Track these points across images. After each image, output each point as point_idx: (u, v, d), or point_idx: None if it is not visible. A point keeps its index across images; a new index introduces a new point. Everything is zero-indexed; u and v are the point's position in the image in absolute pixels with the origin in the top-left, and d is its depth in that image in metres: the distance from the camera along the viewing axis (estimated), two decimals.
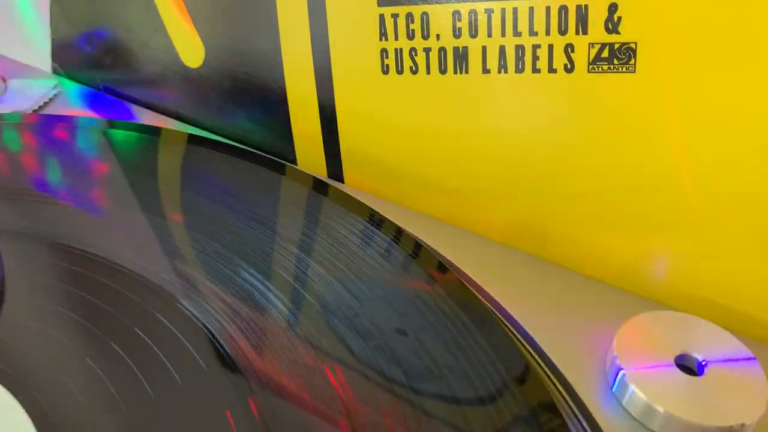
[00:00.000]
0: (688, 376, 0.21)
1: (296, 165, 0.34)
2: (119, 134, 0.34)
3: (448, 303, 0.24)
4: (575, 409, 0.22)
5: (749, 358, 0.22)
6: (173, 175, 0.31)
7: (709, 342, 0.22)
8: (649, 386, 0.21)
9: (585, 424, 0.21)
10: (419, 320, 0.23)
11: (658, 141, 0.23)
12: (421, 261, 0.26)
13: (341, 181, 0.32)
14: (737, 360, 0.22)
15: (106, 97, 0.41)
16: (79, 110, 0.40)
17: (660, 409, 0.20)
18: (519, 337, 0.24)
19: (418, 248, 0.26)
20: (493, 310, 0.25)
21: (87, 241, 0.26)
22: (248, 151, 0.33)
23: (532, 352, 0.24)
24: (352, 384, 0.21)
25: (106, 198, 0.30)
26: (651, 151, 0.23)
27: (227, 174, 0.31)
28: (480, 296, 0.25)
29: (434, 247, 0.28)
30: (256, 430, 0.19)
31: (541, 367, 0.23)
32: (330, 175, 0.32)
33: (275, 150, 0.34)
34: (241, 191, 0.30)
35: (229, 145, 0.34)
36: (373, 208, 0.29)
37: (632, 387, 0.21)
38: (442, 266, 0.26)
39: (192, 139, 0.34)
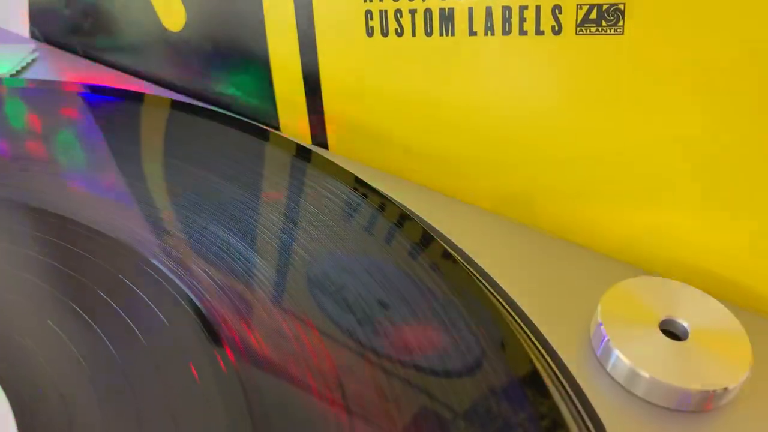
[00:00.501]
0: (672, 341, 0.21)
1: (279, 131, 0.33)
2: (100, 99, 0.33)
3: (432, 274, 0.23)
4: (560, 375, 0.22)
5: (733, 323, 0.21)
6: (155, 141, 0.31)
7: (694, 307, 0.22)
8: (633, 351, 0.21)
9: (569, 389, 0.21)
10: (402, 291, 0.23)
11: (645, 106, 0.23)
12: (406, 230, 0.25)
13: (325, 147, 0.32)
14: (721, 324, 0.21)
15: (86, 62, 0.40)
16: (58, 75, 0.39)
17: (644, 374, 0.20)
18: (504, 303, 0.24)
19: (403, 217, 0.26)
20: (478, 277, 0.25)
21: (60, 204, 0.26)
22: (231, 116, 0.33)
23: (517, 319, 0.24)
24: (331, 348, 0.21)
25: (85, 163, 0.29)
26: (637, 116, 0.23)
27: (210, 140, 0.30)
28: (465, 264, 0.25)
29: (419, 215, 0.28)
30: (224, 382, 0.19)
31: (525, 333, 0.23)
32: (314, 142, 0.32)
33: (258, 116, 0.33)
34: (224, 157, 0.29)
35: (212, 110, 0.33)
36: (358, 175, 0.28)
37: (616, 352, 0.21)
38: (427, 235, 0.25)
39: (175, 104, 0.33)
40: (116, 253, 0.24)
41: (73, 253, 0.24)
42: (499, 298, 0.24)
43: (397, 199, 0.28)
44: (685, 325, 0.21)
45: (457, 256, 0.25)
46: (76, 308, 0.21)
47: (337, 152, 0.31)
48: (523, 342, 0.22)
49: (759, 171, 0.22)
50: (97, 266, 0.23)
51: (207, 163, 0.28)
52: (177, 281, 0.23)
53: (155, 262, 0.23)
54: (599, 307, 0.22)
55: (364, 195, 0.27)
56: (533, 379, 0.20)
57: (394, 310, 0.22)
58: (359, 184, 0.28)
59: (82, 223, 0.25)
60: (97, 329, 0.21)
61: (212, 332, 0.21)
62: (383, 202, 0.27)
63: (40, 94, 0.34)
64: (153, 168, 0.28)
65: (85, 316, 0.21)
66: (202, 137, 0.31)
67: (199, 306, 0.22)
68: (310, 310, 0.22)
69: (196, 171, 0.28)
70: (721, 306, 0.22)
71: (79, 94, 0.34)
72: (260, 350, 0.21)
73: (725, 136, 0.22)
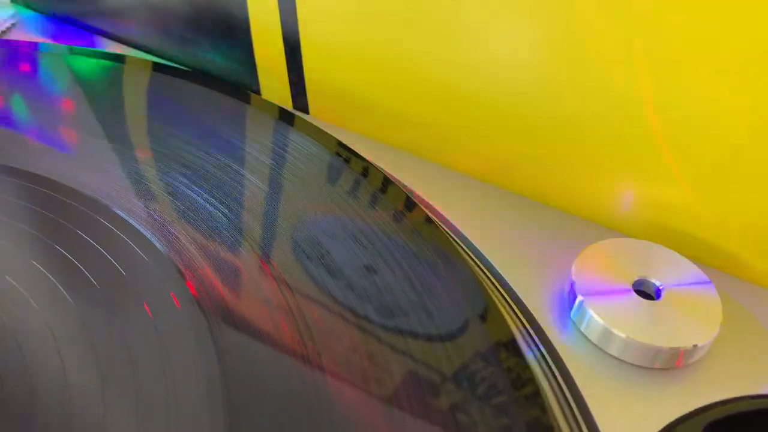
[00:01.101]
0: (645, 300, 0.21)
1: (260, 96, 0.33)
2: (82, 61, 0.33)
3: (415, 239, 0.24)
4: (534, 336, 0.22)
5: (705, 283, 0.22)
6: (138, 103, 0.31)
7: (667, 268, 0.22)
8: (606, 312, 0.21)
9: (543, 350, 0.22)
10: (387, 257, 0.23)
11: (625, 69, 0.23)
12: (390, 195, 0.26)
13: (306, 112, 0.32)
14: (693, 285, 0.22)
15: (66, 27, 0.40)
16: (38, 39, 0.38)
17: (617, 333, 0.21)
18: (481, 265, 0.24)
19: (386, 182, 0.26)
20: (457, 240, 0.25)
21: (41, 165, 0.26)
22: (213, 79, 0.32)
23: (493, 280, 0.24)
24: (308, 307, 0.21)
25: (66, 125, 0.29)
26: (617, 80, 0.23)
27: (192, 102, 0.30)
28: (445, 227, 0.25)
29: (400, 179, 0.28)
30: (196, 306, 0.20)
31: (500, 293, 0.23)
32: (295, 106, 0.32)
33: (238, 80, 0.33)
34: (206, 120, 0.29)
35: (194, 73, 0.33)
36: (340, 140, 0.28)
37: (590, 312, 0.21)
38: (410, 201, 0.25)
39: (157, 67, 0.33)
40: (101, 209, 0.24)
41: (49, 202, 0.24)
42: (477, 260, 0.25)
43: (377, 164, 0.28)
44: (658, 285, 0.22)
45: (436, 220, 0.25)
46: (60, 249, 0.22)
47: (317, 117, 0.31)
48: (500, 305, 0.23)
49: (731, 134, 0.22)
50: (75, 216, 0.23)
51: (188, 125, 0.28)
52: (153, 239, 0.23)
53: (132, 221, 0.23)
54: (573, 268, 0.22)
55: (347, 159, 0.27)
56: (510, 344, 0.20)
57: (379, 274, 0.22)
58: (342, 149, 0.28)
59: (61, 183, 0.25)
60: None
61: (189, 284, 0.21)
62: (366, 167, 0.27)
63: (20, 57, 0.33)
64: (134, 127, 0.28)
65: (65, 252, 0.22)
66: (184, 99, 0.30)
67: (178, 263, 0.22)
68: (292, 272, 0.22)
69: (177, 132, 0.28)
70: (693, 266, 0.22)
71: (61, 55, 0.33)
72: (235, 306, 0.21)
73: (700, 99, 0.22)
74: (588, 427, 0.19)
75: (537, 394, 0.19)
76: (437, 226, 0.24)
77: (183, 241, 0.23)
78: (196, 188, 0.25)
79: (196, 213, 0.24)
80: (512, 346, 0.20)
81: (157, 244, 0.23)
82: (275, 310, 0.21)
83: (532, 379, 0.20)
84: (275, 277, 0.22)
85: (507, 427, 0.18)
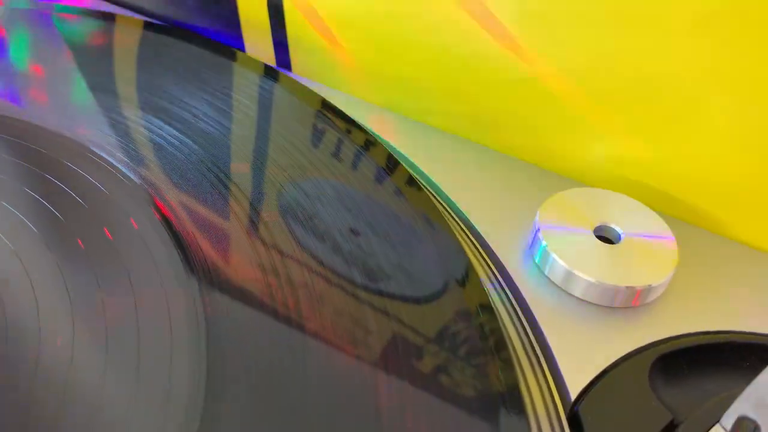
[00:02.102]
0: (605, 244, 0.23)
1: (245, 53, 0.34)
2: (73, 19, 0.34)
3: (397, 200, 0.24)
4: (501, 280, 0.23)
5: (663, 229, 0.23)
6: (126, 59, 0.31)
7: (626, 214, 0.23)
8: (568, 255, 0.22)
9: (509, 292, 0.23)
10: (370, 218, 0.24)
11: (586, 31, 0.24)
12: (373, 154, 0.26)
13: (288, 68, 0.33)
14: (651, 230, 0.23)
15: None
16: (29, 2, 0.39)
17: (578, 274, 0.22)
18: (453, 214, 0.26)
19: (368, 141, 0.27)
20: (433, 194, 0.26)
21: (30, 118, 0.27)
22: (200, 37, 0.33)
23: (464, 229, 0.25)
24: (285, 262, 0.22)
25: (56, 80, 0.30)
26: (581, 40, 0.24)
27: (179, 59, 0.31)
28: (423, 183, 0.27)
29: (379, 133, 0.29)
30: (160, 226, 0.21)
31: (471, 240, 0.24)
32: (278, 64, 0.33)
33: (223, 38, 0.34)
34: (194, 78, 0.30)
35: (183, 31, 0.34)
36: (322, 96, 0.29)
37: (553, 256, 0.22)
38: (392, 159, 0.26)
39: (147, 25, 0.34)
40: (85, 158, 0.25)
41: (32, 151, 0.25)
42: (449, 209, 0.26)
43: (358, 120, 0.29)
44: (618, 230, 0.23)
45: (417, 177, 0.26)
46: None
47: (300, 74, 0.32)
48: (469, 252, 0.24)
49: (685, 89, 0.23)
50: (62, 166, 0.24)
51: (174, 80, 0.29)
52: (130, 174, 0.24)
53: (122, 166, 0.24)
54: (537, 215, 0.23)
55: (331, 118, 0.28)
56: (487, 313, 0.21)
57: (363, 236, 0.23)
58: (326, 108, 0.29)
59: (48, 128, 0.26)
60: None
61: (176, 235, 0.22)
62: (349, 128, 0.28)
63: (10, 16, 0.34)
64: (124, 84, 0.29)
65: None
66: (171, 56, 0.31)
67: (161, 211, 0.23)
68: (279, 233, 0.23)
69: (164, 86, 0.29)
70: (652, 213, 0.24)
71: (51, 14, 0.34)
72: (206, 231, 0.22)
73: (656, 56, 0.23)
74: (547, 362, 0.20)
75: (508, 358, 0.20)
76: (419, 186, 0.25)
77: (156, 180, 0.24)
78: (174, 132, 0.26)
79: (166, 154, 0.25)
80: (487, 307, 0.21)
81: (132, 176, 0.24)
82: (237, 232, 0.22)
83: (503, 339, 0.21)
84: (245, 210, 0.23)
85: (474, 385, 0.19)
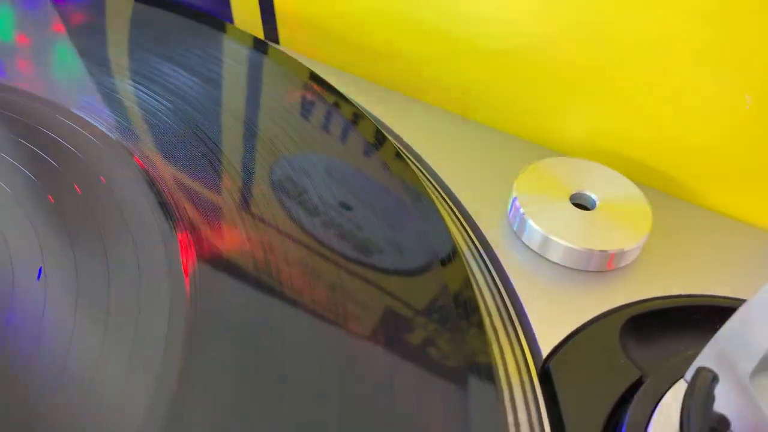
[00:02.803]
0: (580, 211, 0.23)
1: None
2: None
3: (385, 175, 0.25)
4: (479, 246, 0.24)
5: (637, 195, 0.24)
6: (118, 30, 0.32)
7: (602, 182, 0.24)
8: (545, 222, 0.23)
9: (487, 258, 0.24)
10: (359, 193, 0.24)
11: (567, 5, 0.24)
12: (361, 127, 0.27)
13: (276, 42, 0.33)
14: (626, 197, 0.24)
15: None
16: None
17: (554, 239, 0.23)
18: (436, 185, 0.26)
19: (357, 115, 0.27)
20: (418, 165, 0.27)
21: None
22: (191, 10, 0.34)
23: (445, 197, 0.26)
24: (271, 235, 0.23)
25: (47, 55, 0.30)
26: (561, 14, 0.25)
27: (170, 31, 0.31)
28: (406, 154, 0.27)
29: (368, 109, 0.29)
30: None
31: (451, 209, 0.25)
32: (266, 37, 0.33)
33: (212, 11, 0.34)
34: (182, 49, 0.30)
35: (173, 3, 0.34)
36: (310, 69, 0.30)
37: (530, 223, 0.23)
38: (380, 134, 0.27)
39: None
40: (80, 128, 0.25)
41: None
42: (432, 181, 0.26)
43: (344, 92, 0.29)
44: (594, 197, 0.24)
45: (400, 149, 0.27)
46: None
47: (288, 47, 0.33)
48: (450, 221, 0.24)
49: (667, 62, 0.24)
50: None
51: (164, 52, 0.30)
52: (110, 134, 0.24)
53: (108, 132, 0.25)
54: (515, 185, 0.24)
55: (320, 91, 0.29)
56: (467, 288, 0.22)
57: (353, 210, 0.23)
58: (314, 80, 0.29)
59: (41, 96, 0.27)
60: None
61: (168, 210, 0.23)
62: (337, 101, 0.28)
63: None
64: (113, 53, 0.29)
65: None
66: (161, 28, 0.32)
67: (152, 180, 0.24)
68: (271, 208, 0.24)
69: (154, 58, 0.29)
70: (627, 180, 0.24)
71: None
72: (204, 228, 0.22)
73: (638, 27, 0.24)
74: (521, 323, 0.21)
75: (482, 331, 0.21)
76: (405, 160, 0.26)
77: (136, 138, 0.25)
78: (159, 98, 0.27)
79: (150, 118, 0.26)
80: (466, 280, 0.22)
81: (111, 135, 0.24)
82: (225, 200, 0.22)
83: (477, 303, 0.21)
84: (229, 178, 0.24)
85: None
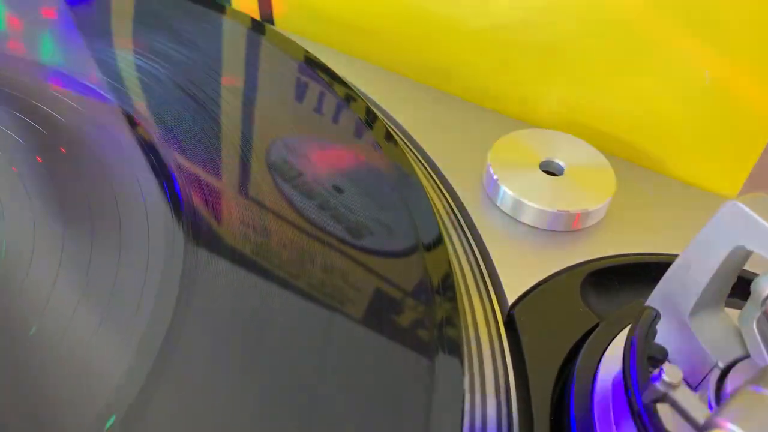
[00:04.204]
0: (549, 176, 0.25)
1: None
2: None
3: (377, 157, 0.26)
4: (455, 209, 0.26)
5: (602, 162, 0.25)
6: (121, 13, 0.33)
7: (570, 151, 0.26)
8: (516, 187, 0.25)
9: (462, 220, 0.25)
10: (352, 175, 0.25)
11: None
12: (354, 107, 0.28)
13: (271, 23, 0.35)
14: (591, 164, 0.25)
15: None
16: None
17: (525, 202, 0.24)
18: (418, 155, 0.28)
19: (349, 95, 0.29)
20: (404, 140, 0.29)
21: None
22: None
23: (427, 167, 0.27)
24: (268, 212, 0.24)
25: (52, 33, 0.32)
26: None
27: (167, 11, 0.33)
28: (390, 125, 0.29)
29: (357, 86, 0.31)
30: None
31: (432, 177, 0.27)
32: (262, 17, 0.35)
33: None
34: (181, 30, 0.32)
35: None
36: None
37: (503, 188, 0.25)
38: (371, 112, 0.28)
39: None
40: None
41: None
42: (415, 152, 0.28)
43: (335, 70, 0.31)
44: (561, 164, 0.25)
45: (397, 133, 0.28)
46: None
47: (282, 28, 0.34)
48: (430, 188, 0.26)
49: (632, 38, 0.25)
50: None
51: (163, 32, 0.31)
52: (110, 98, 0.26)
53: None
54: (489, 154, 0.26)
55: (315, 71, 0.30)
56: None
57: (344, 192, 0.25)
58: (309, 60, 0.31)
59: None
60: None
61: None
62: (331, 81, 0.30)
63: None
64: (116, 32, 0.31)
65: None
66: (160, 8, 0.33)
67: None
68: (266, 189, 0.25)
69: (153, 36, 0.31)
70: (592, 148, 0.26)
71: None
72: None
73: (603, 3, 0.25)
74: (490, 277, 0.23)
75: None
76: (394, 140, 0.27)
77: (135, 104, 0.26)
78: (156, 67, 0.28)
79: (148, 87, 0.27)
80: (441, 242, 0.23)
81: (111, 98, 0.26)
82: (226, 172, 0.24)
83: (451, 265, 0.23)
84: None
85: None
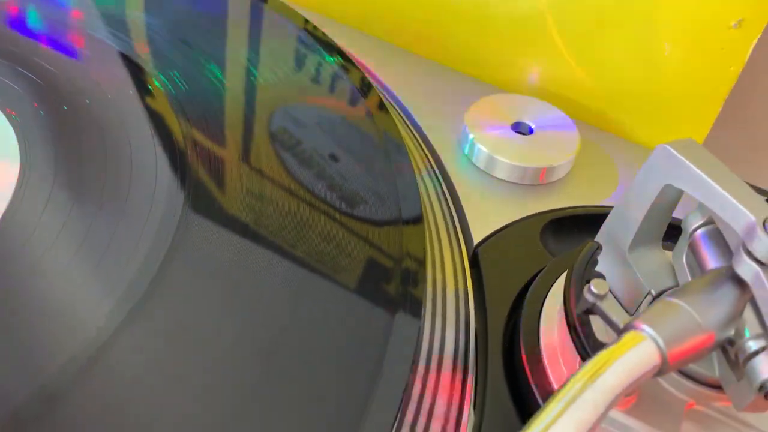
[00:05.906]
0: (520, 135, 0.27)
1: None
2: None
3: (371, 126, 0.28)
4: (433, 163, 0.28)
5: (568, 124, 0.28)
6: None
7: (540, 114, 0.28)
8: (489, 144, 0.27)
9: (438, 173, 0.28)
10: (347, 143, 0.27)
11: None
12: (350, 77, 0.30)
13: None
14: (558, 125, 0.28)
15: None
16: None
17: (496, 157, 0.27)
18: (402, 115, 0.30)
19: (346, 66, 0.31)
20: (388, 98, 0.31)
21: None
22: None
23: (411, 128, 0.30)
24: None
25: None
26: None
27: None
28: (378, 88, 0.31)
29: (352, 53, 0.33)
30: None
31: (414, 135, 0.29)
32: None
33: None
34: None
35: None
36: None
37: (478, 146, 0.27)
38: (365, 82, 0.30)
39: None
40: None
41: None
42: (400, 112, 0.30)
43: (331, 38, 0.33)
44: (532, 126, 0.28)
45: (388, 102, 0.30)
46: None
47: None
48: (412, 145, 0.28)
49: (598, 13, 0.28)
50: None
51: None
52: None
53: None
54: (465, 116, 0.28)
55: (315, 41, 0.32)
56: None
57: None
58: (308, 30, 0.33)
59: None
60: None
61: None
62: (328, 49, 0.32)
63: None
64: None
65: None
66: None
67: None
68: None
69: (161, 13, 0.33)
70: (561, 112, 0.28)
71: None
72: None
73: None
74: (460, 223, 0.25)
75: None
76: (386, 111, 0.29)
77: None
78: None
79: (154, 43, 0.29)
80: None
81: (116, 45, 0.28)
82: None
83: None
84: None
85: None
